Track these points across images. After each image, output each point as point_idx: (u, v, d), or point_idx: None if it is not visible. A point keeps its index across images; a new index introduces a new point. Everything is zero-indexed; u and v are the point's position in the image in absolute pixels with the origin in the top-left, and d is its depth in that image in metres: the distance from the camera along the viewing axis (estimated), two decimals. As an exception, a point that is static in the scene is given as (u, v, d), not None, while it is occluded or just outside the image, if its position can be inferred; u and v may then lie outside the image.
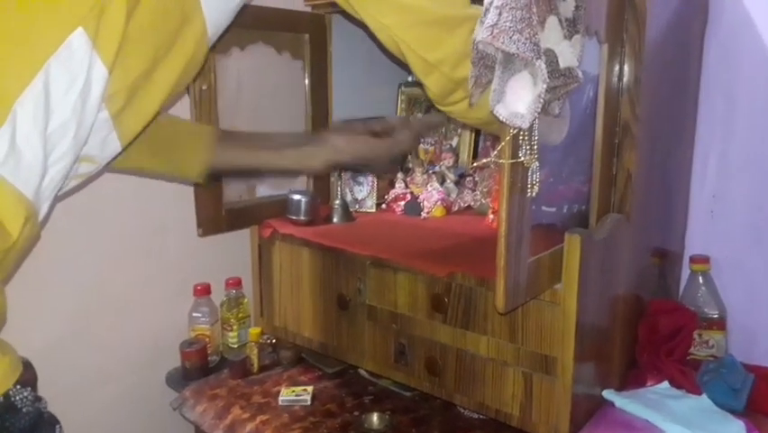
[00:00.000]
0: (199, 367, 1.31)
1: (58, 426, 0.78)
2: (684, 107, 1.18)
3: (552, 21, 0.69)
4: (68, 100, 0.70)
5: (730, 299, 1.15)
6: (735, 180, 1.20)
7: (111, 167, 1.02)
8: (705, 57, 1.19)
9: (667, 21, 1.02)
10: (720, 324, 1.13)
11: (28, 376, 0.75)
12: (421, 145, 1.46)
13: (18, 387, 0.72)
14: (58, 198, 0.88)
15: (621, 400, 0.98)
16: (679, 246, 1.25)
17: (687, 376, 1.03)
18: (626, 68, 0.94)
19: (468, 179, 1.36)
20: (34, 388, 0.77)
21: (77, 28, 0.68)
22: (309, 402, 1.17)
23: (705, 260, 1.15)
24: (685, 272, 1.22)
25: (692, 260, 1.16)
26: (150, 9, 0.74)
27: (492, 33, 0.64)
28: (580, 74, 0.73)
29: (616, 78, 0.94)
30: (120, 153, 0.85)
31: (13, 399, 0.71)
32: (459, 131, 1.42)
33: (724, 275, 1.17)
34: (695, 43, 1.18)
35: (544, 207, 1.03)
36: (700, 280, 1.15)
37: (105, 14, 0.69)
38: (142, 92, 0.79)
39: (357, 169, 1.17)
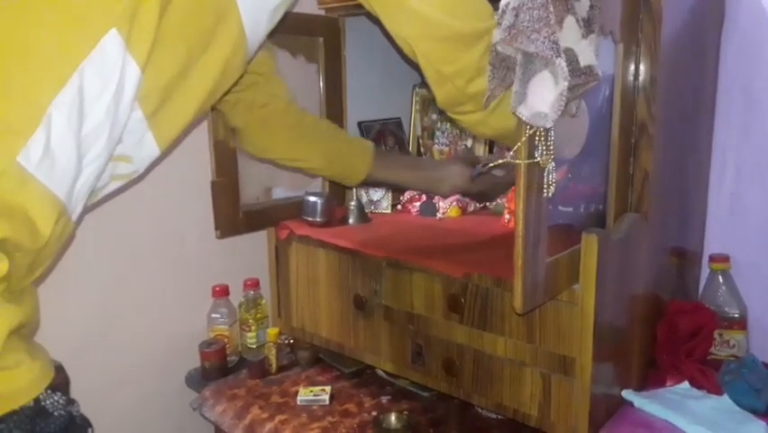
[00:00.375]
0: (218, 367, 1.32)
1: (90, 429, 0.78)
2: (701, 106, 1.17)
3: (569, 20, 0.69)
4: (103, 102, 0.70)
5: (750, 299, 1.14)
6: (753, 179, 1.18)
7: (284, 167, 1.20)
8: (722, 56, 1.18)
9: (683, 20, 1.02)
10: (741, 323, 1.12)
11: (60, 380, 0.75)
12: (436, 146, 1.47)
13: (48, 391, 0.72)
14: (98, 203, 0.89)
15: (640, 401, 0.97)
16: (698, 246, 1.24)
17: (707, 376, 1.02)
18: (641, 67, 0.94)
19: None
20: (66, 391, 0.77)
21: (111, 29, 0.69)
22: (327, 402, 1.18)
23: (725, 259, 1.14)
24: (704, 272, 1.21)
25: (712, 259, 1.15)
26: (183, 6, 0.74)
27: (510, 34, 0.64)
28: (599, 72, 0.73)
29: (631, 78, 0.94)
30: (159, 157, 0.85)
31: (43, 402, 0.71)
32: (474, 131, 1.42)
33: (744, 274, 1.16)
34: (711, 42, 1.17)
35: (560, 207, 1.03)
36: (720, 280, 1.14)
37: (137, 14, 0.70)
38: (178, 94, 0.79)
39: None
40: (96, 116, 0.71)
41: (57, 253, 0.79)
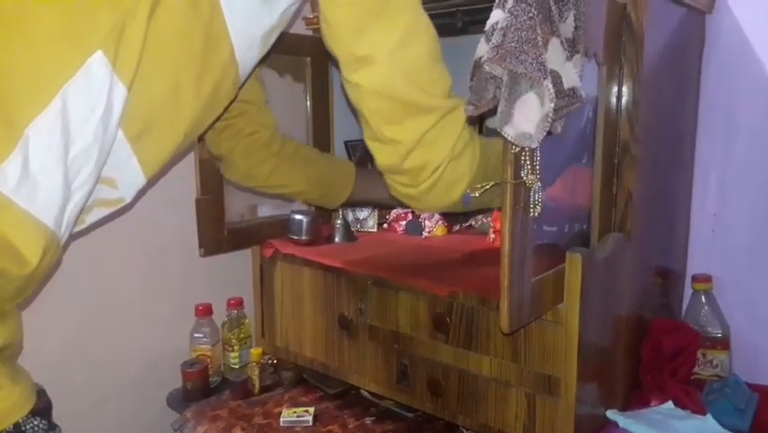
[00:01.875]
0: (200, 388, 1.30)
1: None
2: (683, 127, 1.19)
3: (554, 42, 0.70)
4: (90, 125, 0.69)
5: (733, 318, 1.15)
6: (735, 200, 1.20)
7: (265, 193, 1.22)
8: (703, 78, 1.21)
9: (665, 42, 1.04)
10: (724, 343, 1.12)
11: (42, 405, 0.74)
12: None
13: (29, 416, 0.71)
14: (86, 230, 0.87)
15: (625, 421, 0.97)
16: (681, 265, 1.25)
17: (691, 396, 1.02)
18: (624, 89, 0.95)
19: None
20: (48, 416, 0.75)
21: (96, 52, 0.67)
22: (311, 423, 1.16)
23: (707, 279, 1.15)
24: (687, 291, 1.22)
25: (694, 279, 1.16)
26: (170, 27, 0.73)
27: (498, 54, 0.65)
28: (583, 94, 0.74)
29: (614, 99, 0.95)
30: (145, 185, 0.83)
31: (23, 427, 0.70)
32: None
33: (726, 294, 1.17)
34: (693, 65, 1.20)
35: (545, 227, 1.03)
36: (703, 300, 1.15)
37: (124, 34, 0.69)
38: (164, 118, 0.78)
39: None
40: (84, 139, 0.69)
41: (42, 279, 0.78)
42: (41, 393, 0.75)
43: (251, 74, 0.92)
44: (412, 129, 0.76)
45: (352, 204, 1.28)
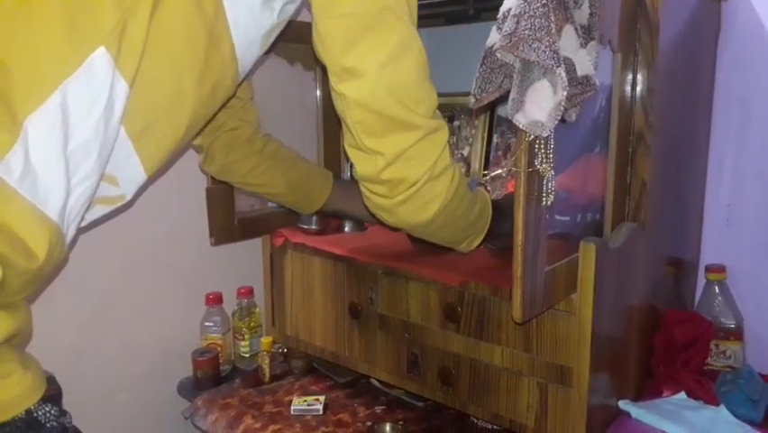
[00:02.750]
0: (211, 376, 1.31)
1: None
2: (698, 116, 1.18)
3: (568, 29, 0.69)
4: (91, 120, 0.69)
5: (747, 309, 1.14)
6: (749, 189, 1.19)
7: (242, 190, 1.20)
8: (718, 66, 1.19)
9: (679, 30, 1.02)
10: (737, 334, 1.11)
11: (52, 391, 0.74)
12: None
13: (40, 402, 0.72)
14: (86, 228, 0.88)
15: (638, 411, 0.97)
16: (694, 256, 1.24)
17: (704, 387, 1.02)
18: (639, 76, 0.94)
19: (479, 188, 1.35)
20: (59, 403, 0.76)
21: (99, 48, 0.68)
22: (321, 412, 1.16)
23: (721, 269, 1.14)
24: (700, 282, 1.21)
25: (708, 269, 1.15)
26: (175, 27, 0.73)
27: (511, 41, 0.64)
28: (597, 81, 0.73)
29: (629, 87, 0.94)
30: (146, 183, 0.84)
31: (35, 414, 0.71)
32: (470, 140, 1.42)
33: (740, 284, 1.16)
34: (708, 52, 1.18)
35: (557, 217, 1.02)
36: (716, 290, 1.14)
37: (126, 30, 0.69)
38: (165, 115, 0.78)
39: None
40: (84, 134, 0.69)
41: (50, 275, 0.78)
42: (51, 380, 0.76)
43: (250, 72, 0.92)
44: (393, 143, 0.76)
45: (326, 213, 1.27)
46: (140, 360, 1.31)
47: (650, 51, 0.93)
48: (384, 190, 0.80)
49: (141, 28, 0.70)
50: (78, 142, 0.69)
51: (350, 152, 0.81)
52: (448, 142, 0.81)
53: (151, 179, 0.87)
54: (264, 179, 1.16)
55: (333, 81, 0.76)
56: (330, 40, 0.75)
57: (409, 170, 0.78)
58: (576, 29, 0.70)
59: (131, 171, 0.80)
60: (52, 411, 0.73)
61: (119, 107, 0.71)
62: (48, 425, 0.72)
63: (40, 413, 0.71)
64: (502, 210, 0.98)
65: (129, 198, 0.84)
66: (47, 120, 0.66)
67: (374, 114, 0.74)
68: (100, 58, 0.68)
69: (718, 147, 1.21)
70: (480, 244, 1.00)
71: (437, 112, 0.80)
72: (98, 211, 0.84)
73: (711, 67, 1.19)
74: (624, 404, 0.99)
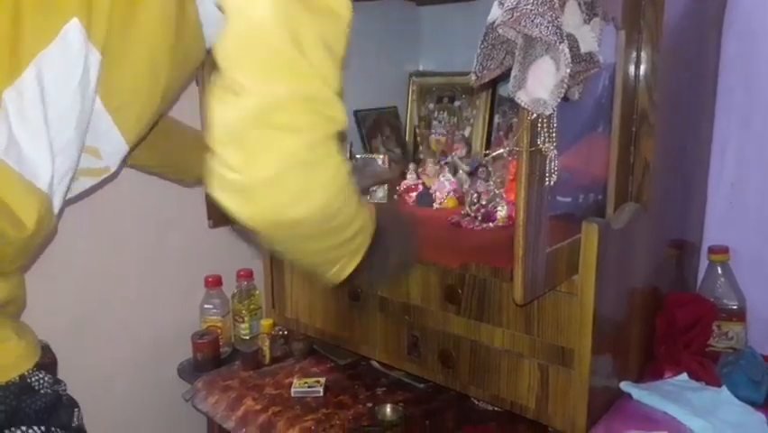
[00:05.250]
0: (211, 359, 1.31)
1: (76, 409, 0.79)
2: (702, 96, 1.16)
3: (571, 4, 0.67)
4: (68, 90, 0.70)
5: (749, 290, 1.13)
6: (753, 170, 1.17)
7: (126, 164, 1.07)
8: (723, 45, 1.17)
9: (684, 6, 1.00)
10: (740, 315, 1.11)
11: (46, 360, 0.76)
12: (432, 135, 1.45)
13: (35, 369, 0.73)
14: (75, 199, 0.88)
15: (639, 392, 0.96)
16: (697, 237, 1.23)
17: (706, 368, 1.01)
18: (643, 54, 0.92)
19: (481, 169, 1.34)
20: (53, 371, 0.78)
21: (72, 18, 0.68)
22: (322, 394, 1.16)
23: (724, 250, 1.13)
24: (703, 263, 1.20)
25: (711, 250, 1.14)
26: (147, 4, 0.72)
27: (513, 16, 0.62)
28: (600, 58, 0.72)
29: (633, 66, 0.92)
30: (129, 153, 0.84)
31: (29, 380, 0.72)
32: (471, 120, 1.41)
33: (743, 266, 1.15)
34: (713, 30, 1.16)
35: (559, 198, 1.01)
36: (719, 271, 1.13)
37: (93, 1, 0.69)
38: (144, 90, 0.78)
39: None
40: (62, 104, 0.70)
41: (41, 244, 0.78)
42: (45, 349, 0.78)
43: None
44: (273, 85, 0.59)
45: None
46: (139, 343, 1.31)
47: (655, 29, 0.91)
48: (241, 159, 0.59)
49: None
50: (57, 112, 0.70)
51: (213, 104, 0.60)
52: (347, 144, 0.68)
53: (133, 148, 0.86)
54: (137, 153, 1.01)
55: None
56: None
57: (285, 135, 0.59)
58: (579, 4, 0.69)
59: (113, 143, 0.80)
60: (46, 379, 0.74)
61: (93, 76, 0.71)
62: (42, 391, 0.73)
63: (33, 379, 0.73)
64: (383, 232, 0.80)
65: (113, 168, 0.84)
66: (24, 92, 0.67)
67: (266, 48, 0.59)
68: (74, 29, 0.68)
69: (723, 127, 1.19)
70: (353, 273, 0.79)
71: (340, 101, 0.65)
72: (85, 183, 0.84)
73: (716, 46, 1.17)
74: (625, 385, 0.98)
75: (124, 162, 0.87)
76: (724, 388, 0.98)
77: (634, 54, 0.92)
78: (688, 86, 1.09)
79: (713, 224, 1.22)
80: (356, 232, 0.74)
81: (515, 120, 1.29)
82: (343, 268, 0.78)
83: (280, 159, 0.59)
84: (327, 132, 0.62)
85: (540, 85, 0.66)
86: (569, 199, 1.04)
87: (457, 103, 1.42)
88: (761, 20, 1.13)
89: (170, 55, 0.78)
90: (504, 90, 1.33)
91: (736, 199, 1.19)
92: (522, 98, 0.67)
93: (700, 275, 1.20)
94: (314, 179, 0.63)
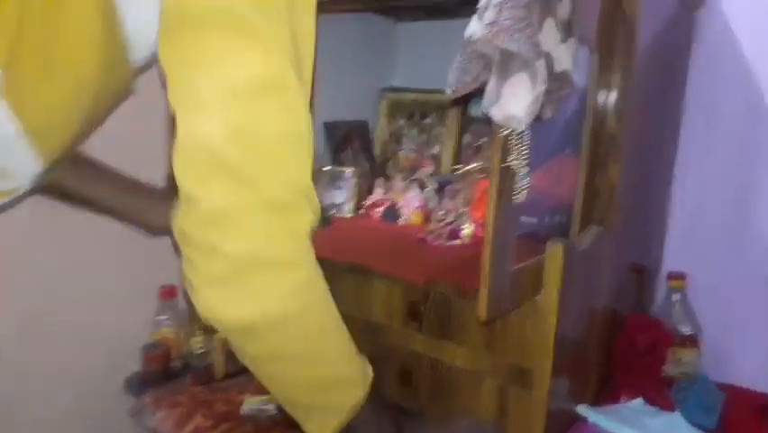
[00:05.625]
0: (161, 372, 1.25)
1: None
2: (667, 124, 1.19)
3: (549, 23, 0.68)
4: None
5: (704, 317, 1.15)
6: (712, 198, 1.21)
7: None
8: (689, 74, 1.20)
9: (655, 36, 1.03)
10: (694, 342, 1.13)
11: None
12: (402, 151, 1.45)
13: None
14: None
15: (596, 416, 0.96)
16: (656, 262, 1.25)
17: (661, 393, 1.02)
18: (614, 79, 0.94)
19: (448, 187, 1.34)
20: None
21: None
22: (275, 411, 1.12)
23: (682, 277, 1.15)
24: (661, 288, 1.22)
25: (669, 276, 1.16)
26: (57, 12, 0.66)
27: (492, 31, 0.62)
28: (575, 79, 0.72)
29: (605, 90, 0.94)
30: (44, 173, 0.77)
31: None
32: (441, 138, 1.41)
33: (698, 292, 1.17)
34: (681, 60, 1.19)
35: (523, 218, 1.01)
36: (676, 298, 1.15)
37: None
38: (65, 110, 0.73)
39: None
40: None
41: None
42: None
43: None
44: (215, 192, 0.58)
45: (62, 194, 1.02)
46: (85, 353, 1.24)
47: (626, 55, 0.93)
48: (196, 256, 0.60)
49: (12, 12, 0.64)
50: None
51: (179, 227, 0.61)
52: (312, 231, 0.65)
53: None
54: None
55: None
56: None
57: (226, 235, 0.58)
58: (557, 23, 0.69)
59: (27, 165, 0.74)
60: None
61: None
62: None
63: None
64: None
65: (27, 188, 0.79)
66: None
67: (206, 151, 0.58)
68: None
69: (685, 155, 1.22)
70: None
71: (311, 189, 0.64)
72: None
73: (683, 75, 1.21)
74: (582, 409, 0.98)
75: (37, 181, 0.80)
76: (677, 413, 0.99)
77: (605, 79, 0.93)
78: (655, 113, 1.12)
79: (672, 249, 1.25)
80: (341, 379, 0.72)
81: (484, 140, 1.30)
82: (324, 426, 0.74)
83: (230, 259, 0.59)
84: (291, 232, 0.62)
85: (515, 101, 0.66)
86: (534, 220, 1.04)
87: (428, 120, 1.43)
88: (725, 52, 1.17)
89: (95, 77, 0.72)
90: (475, 110, 1.33)
91: (697, 226, 1.22)
92: (496, 114, 0.67)
93: (658, 300, 1.22)
94: (269, 282, 0.61)
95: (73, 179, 0.95)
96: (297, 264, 0.63)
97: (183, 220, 0.60)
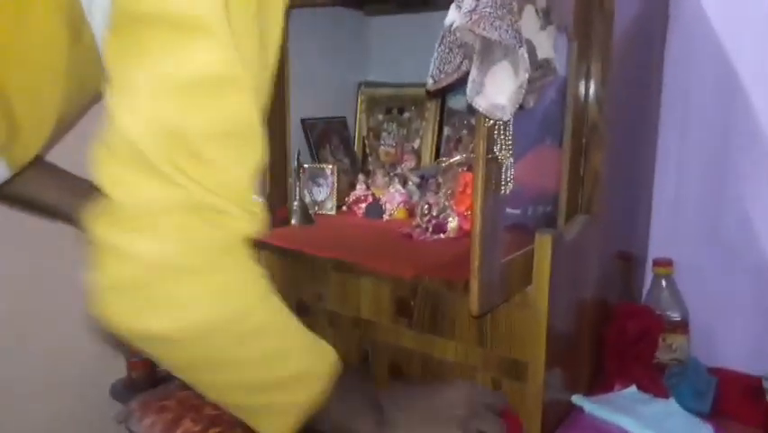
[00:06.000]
0: (147, 378, 1.23)
1: None
2: (648, 108, 1.19)
3: (529, 10, 0.66)
4: None
5: (692, 303, 1.15)
6: (693, 183, 1.21)
7: None
8: (666, 59, 1.20)
9: (631, 21, 1.02)
10: (683, 327, 1.12)
11: None
12: (382, 147, 1.43)
13: None
14: None
15: (590, 405, 0.96)
16: (643, 249, 1.25)
17: (654, 380, 1.02)
18: (593, 67, 0.93)
19: (431, 180, 1.33)
20: None
21: None
22: (266, 414, 1.10)
23: (668, 263, 1.15)
24: (648, 275, 1.22)
25: (656, 263, 1.16)
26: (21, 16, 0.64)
27: (472, 19, 0.61)
28: (557, 66, 0.71)
29: (584, 78, 0.93)
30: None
31: None
32: (421, 132, 1.39)
33: (685, 278, 1.17)
34: (657, 45, 1.19)
35: (508, 210, 1.00)
36: (663, 284, 1.15)
37: None
38: (31, 122, 0.71)
39: None
40: None
41: None
42: None
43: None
44: (134, 189, 0.54)
45: (11, 198, 0.98)
46: (70, 359, 1.23)
47: (604, 42, 0.92)
48: (104, 258, 0.56)
49: None
50: None
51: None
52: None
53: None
54: None
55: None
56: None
57: (139, 237, 0.54)
58: (536, 10, 0.68)
59: None
60: None
61: None
62: None
63: None
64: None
65: None
66: None
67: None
68: None
69: (666, 140, 1.22)
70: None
71: (249, 193, 0.59)
72: None
73: (660, 59, 1.20)
74: (577, 399, 0.98)
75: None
76: (672, 399, 0.99)
77: (585, 66, 0.92)
78: (636, 98, 1.11)
79: (658, 236, 1.24)
80: (293, 375, 0.67)
81: (464, 132, 1.29)
82: (281, 425, 0.69)
83: (138, 269, 0.54)
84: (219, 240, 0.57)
85: (498, 90, 0.65)
86: (517, 211, 1.03)
87: (406, 114, 1.41)
88: (698, 35, 1.16)
89: (65, 76, 0.70)
90: (454, 103, 1.32)
91: (679, 212, 1.22)
92: (480, 104, 0.66)
93: (645, 287, 1.22)
94: (188, 289, 0.56)
95: (16, 180, 0.86)
96: (221, 270, 0.58)
97: (94, 218, 0.55)
